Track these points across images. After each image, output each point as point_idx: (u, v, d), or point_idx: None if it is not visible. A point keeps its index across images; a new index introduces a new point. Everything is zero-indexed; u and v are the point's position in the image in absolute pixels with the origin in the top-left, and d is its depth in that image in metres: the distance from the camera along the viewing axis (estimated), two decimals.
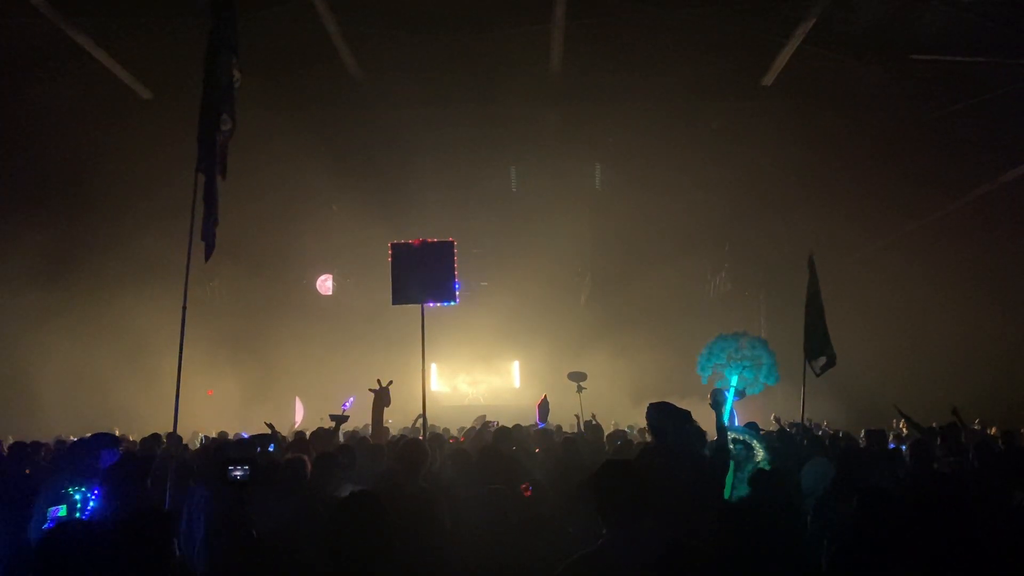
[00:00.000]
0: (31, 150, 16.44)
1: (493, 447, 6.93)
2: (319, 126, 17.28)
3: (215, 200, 5.92)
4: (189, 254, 5.88)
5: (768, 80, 15.80)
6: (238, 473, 4.37)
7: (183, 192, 6.17)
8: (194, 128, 6.07)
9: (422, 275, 8.49)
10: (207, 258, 5.94)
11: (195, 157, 6.00)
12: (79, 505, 5.09)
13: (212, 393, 17.71)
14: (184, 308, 5.81)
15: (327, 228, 22.10)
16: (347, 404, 12.60)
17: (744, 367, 12.01)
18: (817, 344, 9.20)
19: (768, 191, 19.10)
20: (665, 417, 4.89)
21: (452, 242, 8.79)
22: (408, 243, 8.66)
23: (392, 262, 8.44)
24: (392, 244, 8.62)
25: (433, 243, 8.72)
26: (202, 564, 5.34)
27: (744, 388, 11.80)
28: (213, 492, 5.42)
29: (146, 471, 5.70)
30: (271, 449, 7.72)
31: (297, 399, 19.84)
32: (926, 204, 18.45)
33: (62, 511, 5.06)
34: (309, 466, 5.72)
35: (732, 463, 5.86)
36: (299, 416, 18.97)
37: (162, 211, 16.88)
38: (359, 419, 11.47)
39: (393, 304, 8.51)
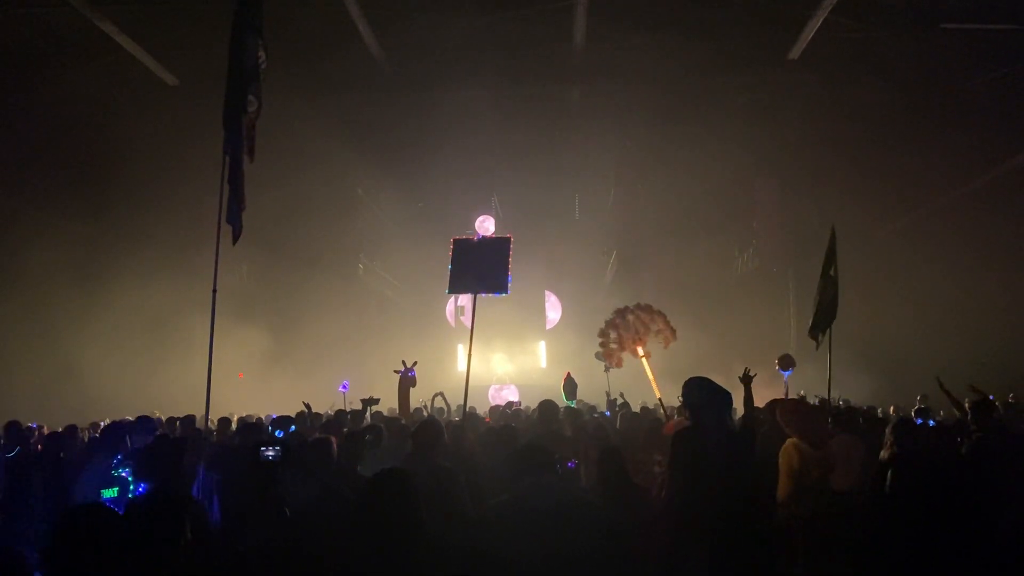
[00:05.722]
0: (60, 138, 16.60)
1: (508, 427, 6.96)
2: (342, 109, 17.30)
3: (241, 183, 5.93)
4: (218, 237, 5.90)
5: (795, 53, 15.51)
6: (270, 454, 4.44)
7: (211, 177, 6.18)
8: (221, 113, 6.08)
9: (479, 267, 8.90)
10: (234, 241, 5.96)
11: (222, 142, 6.02)
12: (131, 487, 5.15)
13: (243, 376, 17.88)
14: (214, 291, 5.84)
15: (352, 211, 22.15)
16: (344, 387, 12.72)
17: None
18: (827, 319, 9.18)
19: (796, 165, 18.82)
20: (699, 396, 4.88)
21: (509, 238, 9.25)
22: (468, 238, 9.13)
23: (453, 255, 8.89)
24: (454, 239, 9.14)
25: (491, 238, 9.19)
26: (237, 544, 5.40)
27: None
28: (245, 472, 5.47)
29: (180, 453, 5.75)
30: (291, 430, 7.79)
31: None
32: (957, 177, 18.04)
33: (113, 492, 5.13)
34: (335, 446, 5.75)
35: None
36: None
37: (190, 197, 17.06)
38: (386, 401, 11.54)
39: (447, 293, 9.10)
